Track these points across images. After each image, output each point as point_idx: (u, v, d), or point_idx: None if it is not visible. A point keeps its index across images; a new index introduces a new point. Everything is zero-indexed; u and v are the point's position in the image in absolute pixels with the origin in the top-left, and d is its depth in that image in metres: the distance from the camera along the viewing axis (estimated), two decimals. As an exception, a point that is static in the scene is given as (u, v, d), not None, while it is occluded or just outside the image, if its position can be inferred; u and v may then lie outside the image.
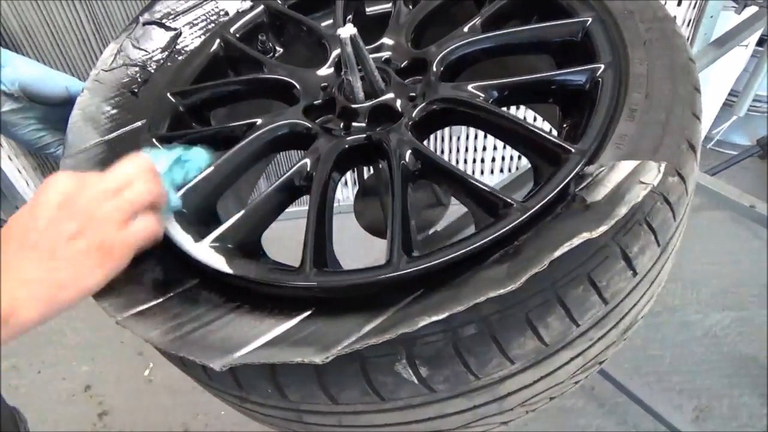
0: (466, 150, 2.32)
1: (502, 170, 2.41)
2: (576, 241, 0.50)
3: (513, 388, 0.60)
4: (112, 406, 2.02)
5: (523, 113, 2.09)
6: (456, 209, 1.02)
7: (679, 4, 1.84)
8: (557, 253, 0.49)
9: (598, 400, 1.84)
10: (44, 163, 2.28)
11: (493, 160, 2.36)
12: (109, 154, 0.80)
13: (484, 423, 0.65)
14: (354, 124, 0.75)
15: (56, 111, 0.85)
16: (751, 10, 1.44)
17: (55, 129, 0.87)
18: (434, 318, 0.49)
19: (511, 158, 2.35)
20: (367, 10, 0.98)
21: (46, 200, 0.56)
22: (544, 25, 0.77)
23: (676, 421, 1.61)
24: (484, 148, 2.31)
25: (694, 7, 1.84)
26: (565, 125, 0.73)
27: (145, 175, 0.61)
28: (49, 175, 0.58)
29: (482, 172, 2.36)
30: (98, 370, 2.12)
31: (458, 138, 2.27)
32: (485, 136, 2.26)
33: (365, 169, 1.08)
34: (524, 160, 2.34)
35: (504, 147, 2.33)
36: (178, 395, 2.01)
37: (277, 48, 0.97)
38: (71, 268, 0.55)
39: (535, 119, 1.95)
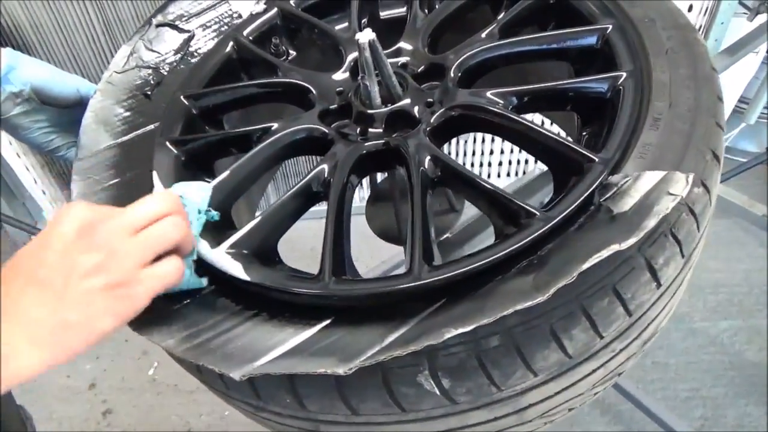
0: (473, 153, 2.31)
1: (509, 174, 2.40)
2: (605, 253, 0.49)
3: (534, 400, 0.59)
4: (116, 404, 2.02)
5: (540, 120, 2.08)
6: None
7: (689, 10, 1.83)
8: (586, 265, 0.49)
9: (602, 408, 1.83)
10: (52, 161, 2.28)
11: (500, 164, 2.35)
12: (122, 157, 0.79)
13: (503, 435, 0.64)
14: (370, 129, 0.75)
15: (67, 113, 0.84)
16: (764, 17, 1.43)
17: (66, 131, 0.85)
18: (460, 330, 0.49)
19: (518, 162, 2.34)
20: (381, 14, 0.98)
21: (60, 231, 0.50)
22: (564, 31, 0.76)
23: (681, 429, 1.60)
24: (491, 152, 2.31)
25: (704, 14, 1.84)
26: (584, 133, 0.73)
27: (174, 216, 0.56)
28: (62, 208, 0.52)
29: (488, 176, 2.35)
30: (103, 369, 2.12)
31: (465, 141, 2.27)
32: (492, 140, 2.25)
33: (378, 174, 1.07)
34: (531, 165, 2.34)
35: (511, 151, 2.32)
36: (182, 395, 2.01)
37: (290, 51, 0.96)
38: (82, 309, 0.49)
39: (542, 123, 1.94)
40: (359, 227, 0.97)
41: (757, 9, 1.40)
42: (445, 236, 0.97)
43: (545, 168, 1.21)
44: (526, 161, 2.33)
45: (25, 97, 0.78)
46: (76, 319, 0.49)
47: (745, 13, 1.50)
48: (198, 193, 0.63)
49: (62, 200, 2.41)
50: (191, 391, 2.00)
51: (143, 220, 0.54)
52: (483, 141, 2.27)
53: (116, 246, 0.51)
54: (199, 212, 0.62)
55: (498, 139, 2.26)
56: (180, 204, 0.59)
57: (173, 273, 0.55)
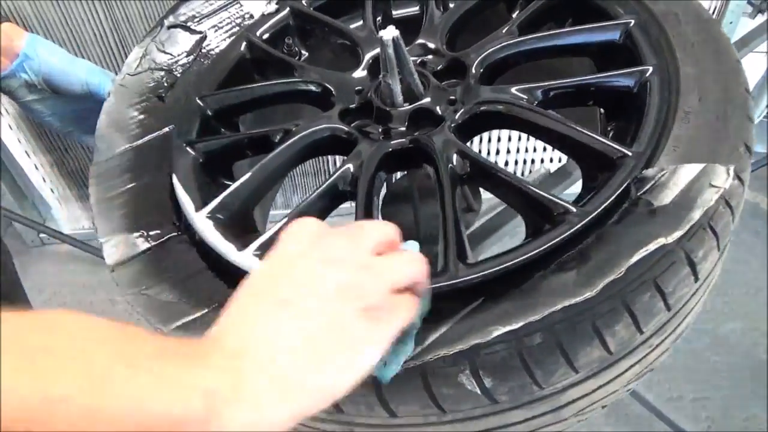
0: (488, 153, 2.30)
1: (523, 174, 2.39)
2: (652, 247, 0.49)
3: (572, 398, 0.58)
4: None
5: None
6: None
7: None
8: (634, 259, 0.48)
9: (609, 408, 1.83)
10: (61, 160, 2.25)
11: (516, 162, 2.34)
12: (138, 160, 0.78)
13: (538, 434, 0.63)
14: (392, 128, 0.74)
15: (76, 103, 0.88)
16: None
17: (79, 118, 0.90)
18: (508, 328, 0.48)
19: (533, 162, 2.33)
20: (394, 13, 0.97)
21: (296, 240, 0.43)
22: (586, 27, 0.76)
23: (689, 429, 1.60)
24: (508, 151, 2.29)
25: (713, 13, 1.85)
26: (609, 128, 0.72)
27: (412, 252, 0.49)
28: (292, 224, 0.45)
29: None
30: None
31: (480, 140, 2.25)
32: (509, 138, 2.23)
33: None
34: (537, 163, 2.33)
35: (526, 150, 2.29)
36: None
37: (302, 51, 0.95)
38: (344, 336, 0.39)
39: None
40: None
41: (759, 7, 1.41)
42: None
43: (558, 166, 1.21)
44: (542, 161, 2.32)
45: (38, 87, 0.83)
46: (336, 350, 0.39)
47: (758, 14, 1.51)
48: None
49: (71, 199, 2.38)
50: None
51: (383, 239, 0.46)
52: (498, 140, 2.25)
53: (366, 262, 0.43)
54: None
55: (504, 138, 2.25)
56: (422, 256, 0.49)
57: (413, 310, 0.46)
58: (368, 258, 0.43)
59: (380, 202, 0.69)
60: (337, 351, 0.38)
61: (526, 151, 2.31)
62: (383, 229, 0.47)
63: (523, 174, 2.36)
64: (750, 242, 2.26)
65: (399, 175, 0.95)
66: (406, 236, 0.50)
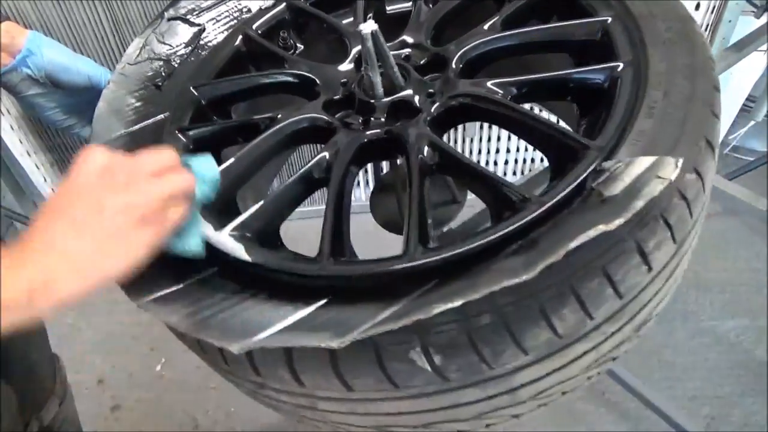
0: (479, 152, 2.31)
1: (515, 173, 2.41)
2: (592, 233, 0.50)
3: (526, 380, 0.60)
4: (124, 400, 2.04)
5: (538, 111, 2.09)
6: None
7: (697, 8, 1.83)
8: (573, 245, 0.50)
9: (607, 406, 1.83)
10: (61, 160, 2.32)
11: (506, 162, 2.35)
12: (133, 145, 0.82)
13: (497, 415, 0.65)
14: (372, 119, 0.76)
15: (78, 96, 0.91)
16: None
17: (78, 112, 0.93)
18: (449, 305, 0.50)
19: (525, 161, 2.35)
20: (387, 9, 0.99)
21: (86, 171, 0.55)
22: (564, 23, 0.77)
23: (689, 427, 1.59)
24: (497, 151, 2.31)
25: (712, 12, 1.83)
26: (582, 123, 0.74)
27: (180, 168, 0.61)
28: (81, 153, 0.57)
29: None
30: (111, 365, 2.15)
31: (471, 140, 2.27)
32: (498, 139, 2.26)
33: (384, 165, 1.09)
34: (537, 163, 2.34)
35: (517, 150, 2.32)
36: (189, 391, 2.03)
37: (298, 45, 0.99)
38: (119, 243, 0.54)
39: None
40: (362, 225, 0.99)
41: (765, 6, 1.40)
42: (447, 227, 0.98)
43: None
44: (533, 160, 2.33)
45: (40, 81, 0.84)
46: (114, 251, 0.54)
47: (752, 11, 1.50)
48: (204, 165, 0.65)
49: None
50: (198, 388, 2.02)
51: (158, 165, 0.58)
52: (489, 140, 2.27)
53: (141, 185, 0.56)
54: (204, 181, 0.63)
55: (504, 138, 2.27)
56: (179, 160, 0.62)
57: (181, 209, 0.59)
58: (142, 180, 0.56)
59: (350, 191, 0.71)
60: (114, 247, 0.54)
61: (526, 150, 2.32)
62: (158, 157, 0.59)
63: (523, 173, 2.37)
64: (750, 241, 2.24)
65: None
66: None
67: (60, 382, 1.05)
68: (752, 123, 2.16)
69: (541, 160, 2.30)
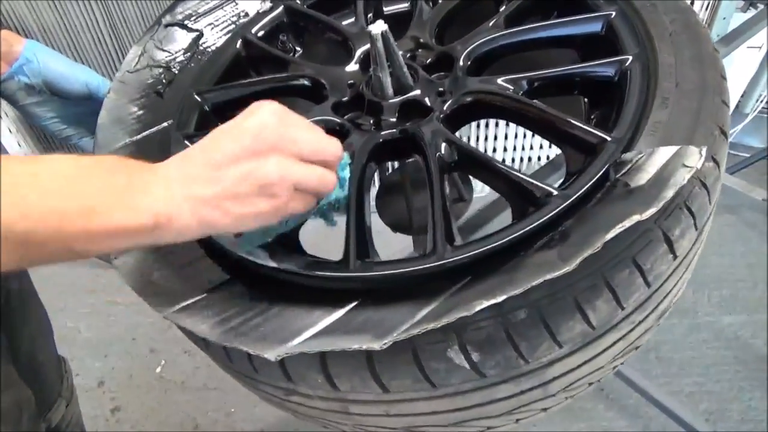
0: (485, 150, 2.33)
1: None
2: (627, 223, 0.51)
3: (558, 373, 0.61)
4: (125, 402, 2.03)
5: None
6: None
7: (691, 4, 1.86)
8: (610, 235, 0.51)
9: (606, 402, 1.85)
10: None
11: (513, 160, 2.37)
12: (138, 154, 0.80)
13: (528, 409, 0.65)
14: (383, 119, 0.76)
15: (76, 106, 0.89)
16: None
17: (77, 122, 0.91)
18: (492, 301, 0.50)
19: (522, 160, 2.36)
20: (385, 9, 0.99)
21: (252, 121, 0.53)
22: (569, 19, 0.78)
23: (688, 419, 1.61)
24: (505, 149, 2.32)
25: (706, 9, 1.86)
26: (593, 116, 0.75)
27: (332, 173, 0.59)
28: (256, 104, 0.55)
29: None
30: (111, 367, 2.13)
31: (477, 138, 2.28)
32: (505, 137, 2.26)
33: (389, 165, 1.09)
34: (535, 161, 2.36)
35: (522, 148, 2.33)
36: (189, 392, 2.02)
37: (296, 48, 0.98)
38: (234, 201, 0.52)
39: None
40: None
41: (750, 1, 1.43)
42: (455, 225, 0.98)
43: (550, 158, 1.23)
44: (539, 158, 2.35)
45: (37, 89, 0.83)
46: (231, 210, 0.52)
47: (737, 9, 1.54)
48: (346, 170, 0.64)
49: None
50: (198, 389, 2.01)
51: (317, 149, 0.56)
52: (495, 138, 2.28)
53: (287, 159, 0.53)
54: (342, 186, 0.63)
55: (501, 137, 2.28)
56: (342, 156, 0.60)
57: (303, 209, 0.58)
58: (292, 155, 0.54)
59: (369, 191, 0.71)
60: (231, 206, 0.53)
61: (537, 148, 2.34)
62: (326, 144, 0.57)
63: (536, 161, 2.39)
64: (749, 235, 2.28)
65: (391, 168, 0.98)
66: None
67: (67, 384, 1.03)
68: (749, 119, 2.18)
69: (538, 158, 2.31)
